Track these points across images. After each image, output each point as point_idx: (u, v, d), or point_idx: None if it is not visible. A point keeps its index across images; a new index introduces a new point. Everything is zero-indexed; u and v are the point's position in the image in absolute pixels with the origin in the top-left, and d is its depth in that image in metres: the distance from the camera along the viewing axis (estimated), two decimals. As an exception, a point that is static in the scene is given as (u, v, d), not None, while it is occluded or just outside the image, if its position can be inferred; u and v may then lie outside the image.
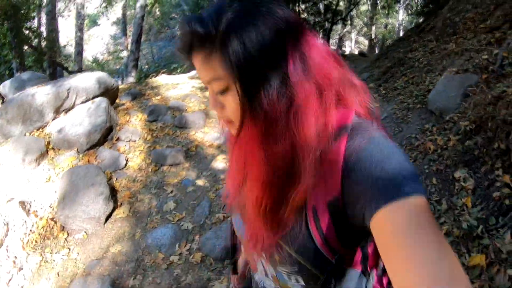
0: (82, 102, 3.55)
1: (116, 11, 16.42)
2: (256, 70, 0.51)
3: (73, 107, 3.51)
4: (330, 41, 12.36)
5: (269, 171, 0.54)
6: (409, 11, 12.32)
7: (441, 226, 1.96)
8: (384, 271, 0.62)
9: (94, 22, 18.83)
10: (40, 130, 3.39)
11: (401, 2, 12.72)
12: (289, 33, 0.52)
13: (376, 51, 11.28)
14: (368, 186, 0.48)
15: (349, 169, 0.51)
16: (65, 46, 13.72)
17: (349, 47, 18.12)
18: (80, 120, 3.31)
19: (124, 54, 8.87)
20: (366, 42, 18.07)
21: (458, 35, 4.67)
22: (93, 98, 3.62)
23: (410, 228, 0.42)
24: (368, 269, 0.61)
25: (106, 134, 3.51)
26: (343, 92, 0.57)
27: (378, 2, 13.69)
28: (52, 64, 7.72)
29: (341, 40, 17.23)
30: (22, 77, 4.54)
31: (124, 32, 10.53)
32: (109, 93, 3.94)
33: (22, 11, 7.32)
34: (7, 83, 4.47)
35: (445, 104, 3.20)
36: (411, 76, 4.94)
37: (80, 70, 7.75)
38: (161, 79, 6.39)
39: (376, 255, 0.61)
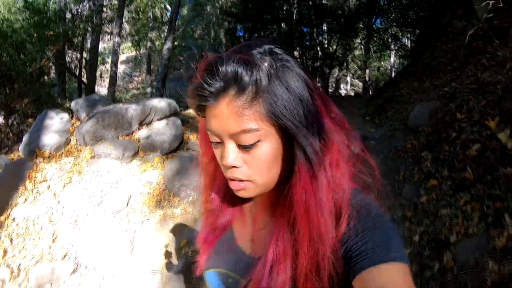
0: (158, 119, 5.12)
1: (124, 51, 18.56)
2: (303, 116, 0.54)
3: (151, 122, 5.06)
4: (328, 83, 14.25)
5: (321, 223, 0.55)
6: (400, 53, 14.38)
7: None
8: None
9: (103, 60, 21.08)
10: (128, 136, 4.90)
11: (392, 47, 14.85)
12: (313, 83, 0.58)
13: (370, 92, 13.08)
14: (360, 247, 0.53)
15: (346, 231, 0.56)
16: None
17: (345, 90, 20.19)
18: (163, 131, 4.86)
19: (148, 90, 10.55)
20: (361, 84, 20.15)
21: (432, 75, 6.41)
22: (165, 117, 5.20)
23: (394, 286, 0.48)
24: None
25: (180, 143, 5.05)
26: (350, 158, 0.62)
27: (371, 47, 15.81)
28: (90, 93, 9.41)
29: (337, 83, 19.33)
30: (93, 97, 6.07)
31: (148, 71, 12.44)
32: (176, 115, 5.54)
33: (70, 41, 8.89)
34: (80, 101, 5.74)
35: (419, 122, 4.81)
36: (398, 108, 6.65)
37: (113, 100, 9.46)
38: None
39: None
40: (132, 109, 4.90)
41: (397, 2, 11.01)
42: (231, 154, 0.57)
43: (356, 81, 21.52)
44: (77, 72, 9.79)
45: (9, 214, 3.80)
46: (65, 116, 5.25)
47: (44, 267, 2.99)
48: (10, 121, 7.32)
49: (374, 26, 13.28)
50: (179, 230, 3.60)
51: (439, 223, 2.46)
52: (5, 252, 3.35)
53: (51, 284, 2.98)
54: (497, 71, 3.37)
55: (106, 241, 3.30)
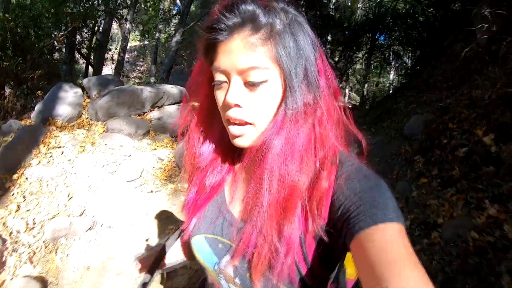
0: (169, 104, 5.41)
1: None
2: (303, 69, 0.59)
3: (162, 105, 5.35)
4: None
5: (297, 166, 0.59)
6: (399, 71, 14.90)
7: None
8: None
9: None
10: (140, 116, 5.18)
11: (392, 64, 15.37)
12: (318, 52, 0.63)
13: (367, 107, 13.52)
14: (356, 209, 0.54)
15: (339, 194, 0.59)
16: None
17: (342, 102, 20.65)
18: (174, 115, 5.15)
19: (152, 80, 10.81)
20: (358, 98, 20.71)
21: (429, 91, 6.83)
22: (176, 103, 5.49)
23: (395, 244, 0.50)
24: None
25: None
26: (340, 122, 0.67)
27: (371, 62, 16.30)
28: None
29: (336, 93, 19.75)
30: (106, 77, 6.31)
31: (154, 61, 12.72)
32: (184, 102, 5.84)
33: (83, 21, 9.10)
34: (93, 79, 5.92)
35: (413, 131, 5.18)
36: (394, 119, 7.05)
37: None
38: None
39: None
40: (147, 91, 5.18)
41: (402, 20, 11.49)
42: (237, 90, 0.59)
43: (353, 95, 22.06)
44: (85, 54, 10.04)
45: (22, 173, 4.04)
46: (79, 90, 5.50)
47: (62, 221, 3.24)
48: (17, 91, 7.49)
49: (377, 42, 13.75)
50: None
51: (428, 210, 2.81)
52: (18, 207, 3.59)
53: (66, 238, 3.24)
54: (488, 89, 3.76)
55: (122, 203, 3.57)
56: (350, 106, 17.73)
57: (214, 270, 0.72)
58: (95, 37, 10.33)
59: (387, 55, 14.15)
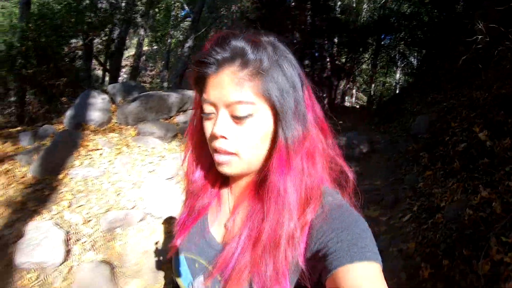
0: (192, 109, 5.94)
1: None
2: (294, 102, 0.63)
3: (186, 110, 5.91)
4: (336, 94, 15.15)
5: (292, 199, 0.62)
6: (406, 70, 15.36)
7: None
8: None
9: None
10: (167, 120, 5.74)
11: (398, 63, 15.83)
12: (305, 86, 0.67)
13: (374, 107, 13.94)
14: (333, 245, 0.56)
15: (317, 229, 0.60)
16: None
17: (349, 102, 21.15)
18: (198, 117, 5.69)
19: (165, 84, 11.35)
20: (365, 98, 21.14)
21: (434, 92, 7.34)
22: (199, 106, 6.03)
23: (370, 284, 0.50)
24: None
25: (213, 130, 5.90)
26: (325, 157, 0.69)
27: (377, 62, 16.70)
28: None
29: (343, 94, 20.26)
30: (130, 83, 6.88)
31: (166, 67, 13.32)
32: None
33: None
34: (117, 85, 6.41)
35: (419, 130, 5.70)
36: (401, 119, 7.57)
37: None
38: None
39: None
40: (173, 97, 5.74)
41: (407, 21, 11.93)
42: (224, 122, 0.62)
43: (360, 95, 22.56)
44: (102, 60, 10.66)
45: (66, 174, 4.57)
46: (106, 97, 6.05)
47: (117, 214, 3.78)
48: (41, 98, 8.04)
49: (382, 42, 14.23)
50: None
51: (433, 198, 3.34)
52: (70, 203, 4.11)
53: (122, 228, 3.78)
54: (486, 90, 4.28)
55: (166, 197, 4.10)
56: (358, 106, 18.24)
57: None
58: (111, 45, 10.94)
59: (393, 55, 14.62)
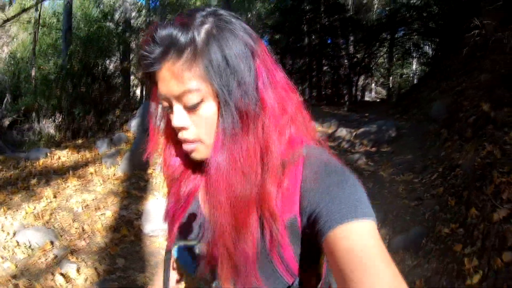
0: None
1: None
2: (236, 79, 0.60)
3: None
4: (356, 90, 16.06)
5: (243, 178, 0.61)
6: (422, 60, 16.09)
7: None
8: None
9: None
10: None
11: (413, 54, 16.55)
12: (256, 49, 0.63)
13: (394, 99, 14.58)
14: (325, 206, 0.56)
15: (307, 189, 0.61)
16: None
17: (369, 97, 21.98)
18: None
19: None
20: (384, 91, 21.82)
21: (448, 79, 8.31)
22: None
23: (365, 243, 0.51)
24: None
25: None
26: (296, 119, 0.69)
27: (393, 55, 17.10)
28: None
29: (363, 90, 21.11)
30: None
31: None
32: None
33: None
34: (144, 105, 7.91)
35: (438, 113, 6.69)
36: (421, 107, 8.56)
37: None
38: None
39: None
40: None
41: (417, 13, 12.69)
42: (178, 115, 0.64)
43: (379, 89, 23.38)
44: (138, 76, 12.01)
45: (153, 169, 5.72)
46: (162, 107, 7.30)
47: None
48: (94, 112, 9.22)
49: (396, 35, 15.03)
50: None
51: (452, 160, 4.40)
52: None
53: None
54: (491, 72, 5.32)
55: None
56: (378, 100, 19.06)
57: (195, 276, 0.76)
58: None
59: (407, 46, 15.41)
